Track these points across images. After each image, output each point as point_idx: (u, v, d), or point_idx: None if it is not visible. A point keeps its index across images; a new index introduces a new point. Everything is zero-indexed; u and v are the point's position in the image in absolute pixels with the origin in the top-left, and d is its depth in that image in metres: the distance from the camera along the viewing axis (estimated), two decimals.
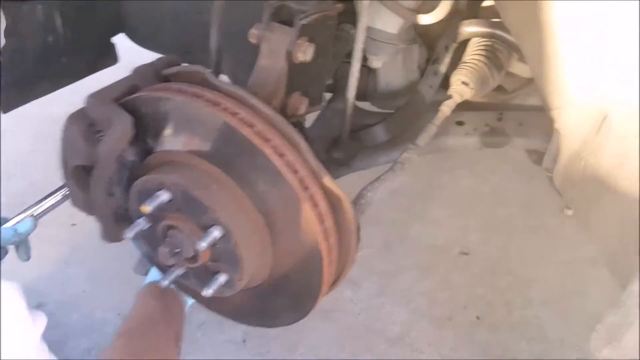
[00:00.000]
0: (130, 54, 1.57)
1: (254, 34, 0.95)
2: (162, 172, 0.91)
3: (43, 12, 1.27)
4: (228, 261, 0.91)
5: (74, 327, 1.67)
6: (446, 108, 1.26)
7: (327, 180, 0.88)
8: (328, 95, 1.42)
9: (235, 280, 0.92)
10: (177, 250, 0.90)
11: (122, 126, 0.88)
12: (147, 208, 0.87)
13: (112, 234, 1.02)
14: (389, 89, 1.38)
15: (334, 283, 1.03)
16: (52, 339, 1.59)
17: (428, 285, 1.82)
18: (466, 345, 1.65)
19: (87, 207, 1.00)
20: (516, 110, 1.38)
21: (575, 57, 0.92)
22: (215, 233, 0.86)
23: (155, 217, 0.92)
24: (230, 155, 0.87)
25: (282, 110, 1.00)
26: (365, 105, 1.46)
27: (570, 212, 1.20)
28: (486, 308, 1.75)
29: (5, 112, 1.35)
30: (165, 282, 0.94)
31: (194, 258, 0.91)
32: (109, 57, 1.56)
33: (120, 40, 1.58)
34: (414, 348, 1.65)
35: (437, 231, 1.99)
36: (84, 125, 0.93)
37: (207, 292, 0.90)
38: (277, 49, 0.94)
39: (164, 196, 0.88)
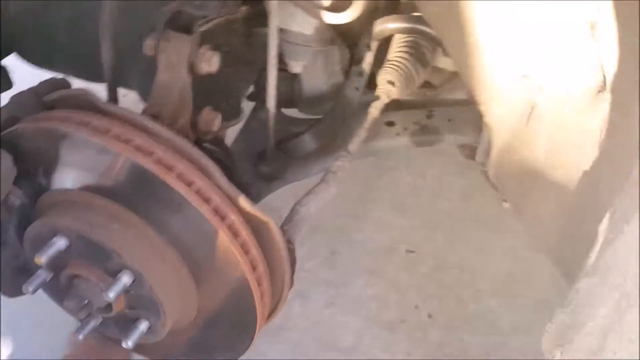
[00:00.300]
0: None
1: (148, 45, 0.86)
2: (54, 216, 0.81)
3: None
4: (146, 307, 0.81)
5: None
6: (374, 110, 1.22)
7: (247, 206, 0.80)
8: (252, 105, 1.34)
9: (157, 326, 0.83)
10: (84, 302, 0.80)
11: (1, 167, 0.77)
12: (40, 259, 0.76)
13: (11, 288, 0.90)
14: (313, 94, 1.31)
15: (272, 311, 0.96)
16: None
17: (377, 289, 1.77)
18: (420, 347, 1.62)
19: None
20: (445, 106, 1.35)
21: (497, 50, 0.89)
22: (125, 279, 0.77)
23: (56, 266, 0.81)
24: (131, 188, 0.78)
25: (193, 129, 0.91)
26: (293, 111, 1.40)
27: (507, 205, 1.18)
28: (437, 306, 1.73)
29: None
30: (80, 337, 0.83)
31: (108, 308, 0.81)
32: (1, 83, 1.39)
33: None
34: (368, 356, 1.60)
35: (382, 233, 1.95)
36: None
37: (128, 343, 0.81)
38: (177, 60, 0.85)
39: (59, 243, 0.77)
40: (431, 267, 1.83)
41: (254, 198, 1.20)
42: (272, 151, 1.15)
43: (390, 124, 1.33)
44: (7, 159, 0.78)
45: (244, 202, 0.80)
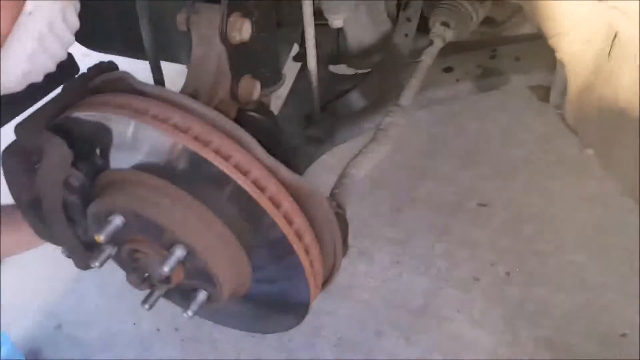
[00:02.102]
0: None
1: (180, 20, 0.83)
2: (110, 195, 0.83)
3: None
4: (203, 278, 0.82)
5: (94, 344, 1.62)
6: (428, 57, 1.10)
7: (288, 176, 0.77)
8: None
9: (215, 295, 0.84)
10: (145, 275, 0.83)
11: (55, 152, 0.79)
12: (100, 237, 0.79)
13: (85, 261, 0.93)
14: (361, 47, 1.21)
15: (328, 277, 0.93)
16: (75, 357, 1.56)
17: (447, 246, 1.68)
18: (498, 306, 1.53)
19: (53, 238, 0.93)
20: (511, 43, 1.19)
21: None
22: (178, 252, 0.78)
23: (118, 240, 0.84)
24: (176, 166, 0.77)
25: (234, 100, 0.88)
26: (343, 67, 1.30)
27: (591, 152, 1.04)
28: (515, 261, 1.61)
29: None
30: (147, 307, 0.87)
31: (167, 280, 0.83)
32: (69, 68, 1.42)
33: None
34: (442, 316, 1.53)
35: (449, 186, 1.84)
36: (21, 158, 0.85)
37: (188, 313, 0.84)
38: (209, 32, 0.81)
39: (116, 221, 0.80)
40: (506, 220, 1.70)
41: (305, 161, 1.16)
42: (319, 114, 1.09)
43: (449, 69, 1.20)
44: (59, 147, 0.80)
45: (285, 172, 0.77)
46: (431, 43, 1.10)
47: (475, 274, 1.61)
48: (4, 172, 0.88)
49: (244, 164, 0.75)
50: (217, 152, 0.74)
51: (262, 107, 1.02)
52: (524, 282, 1.56)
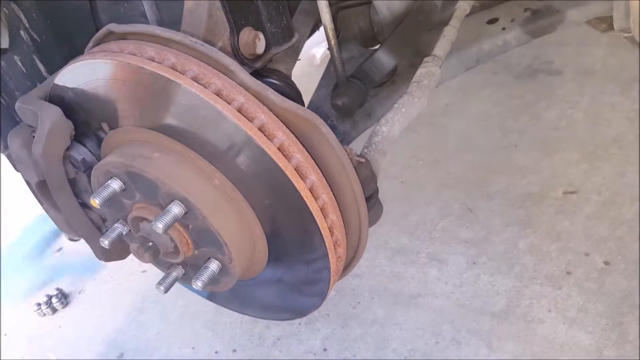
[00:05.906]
0: None
1: None
2: (104, 160, 0.77)
3: None
4: (209, 242, 0.73)
5: None
6: (464, 3, 1.00)
7: (282, 102, 0.67)
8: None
9: (226, 262, 0.74)
10: (148, 243, 0.74)
11: (48, 119, 0.74)
12: (96, 201, 0.73)
13: (104, 250, 0.89)
14: (393, 15, 1.13)
15: (357, 247, 0.81)
16: None
17: (532, 241, 1.47)
18: (598, 300, 1.28)
19: (67, 225, 0.88)
20: None
21: None
22: (175, 209, 0.70)
23: (125, 216, 0.78)
24: (159, 111, 0.70)
25: (235, 54, 0.82)
26: None
27: None
28: (616, 249, 1.37)
29: None
30: (161, 289, 0.77)
31: (176, 251, 0.75)
32: None
33: None
34: (530, 318, 1.31)
35: (528, 177, 1.64)
36: (25, 136, 0.81)
37: (197, 283, 0.73)
38: None
39: (114, 185, 0.74)
40: (601, 205, 1.47)
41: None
42: (344, 80, 1.01)
43: (493, 20, 1.09)
44: (54, 112, 0.75)
45: (277, 99, 0.67)
46: None
47: (567, 267, 1.38)
48: (12, 154, 0.85)
49: (226, 90, 0.66)
50: (195, 79, 0.66)
51: (280, 74, 0.97)
52: (629, 271, 1.30)
